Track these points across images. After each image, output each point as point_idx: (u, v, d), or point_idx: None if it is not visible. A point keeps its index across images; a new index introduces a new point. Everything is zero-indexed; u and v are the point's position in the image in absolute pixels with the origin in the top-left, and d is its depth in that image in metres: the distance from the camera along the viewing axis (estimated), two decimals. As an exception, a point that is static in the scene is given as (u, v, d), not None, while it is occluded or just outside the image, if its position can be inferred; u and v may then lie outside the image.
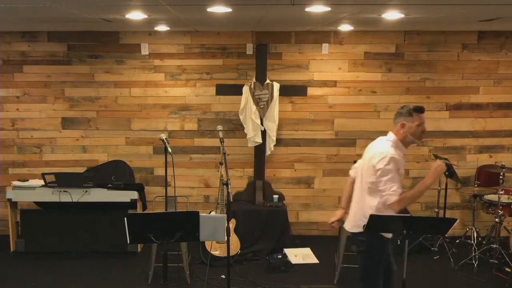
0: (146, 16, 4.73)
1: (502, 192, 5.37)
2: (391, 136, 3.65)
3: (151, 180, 6.55)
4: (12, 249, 6.00)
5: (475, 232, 5.77)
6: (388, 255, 3.80)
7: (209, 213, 5.73)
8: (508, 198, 5.55)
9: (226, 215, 4.00)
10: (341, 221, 3.94)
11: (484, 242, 5.82)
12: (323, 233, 6.66)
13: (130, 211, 5.62)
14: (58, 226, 5.93)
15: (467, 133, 6.54)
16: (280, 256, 5.53)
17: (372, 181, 3.61)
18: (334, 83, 6.47)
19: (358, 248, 3.78)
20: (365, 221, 3.55)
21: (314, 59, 6.43)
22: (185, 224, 3.61)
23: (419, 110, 3.58)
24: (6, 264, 5.69)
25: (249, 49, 6.36)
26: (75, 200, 5.76)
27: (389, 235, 3.73)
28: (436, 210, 6.28)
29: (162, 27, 5.94)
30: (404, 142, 3.61)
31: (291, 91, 6.24)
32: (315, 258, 5.80)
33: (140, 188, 6.02)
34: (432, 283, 5.26)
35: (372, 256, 3.70)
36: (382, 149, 3.59)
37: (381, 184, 3.53)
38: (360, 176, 3.79)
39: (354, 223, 3.76)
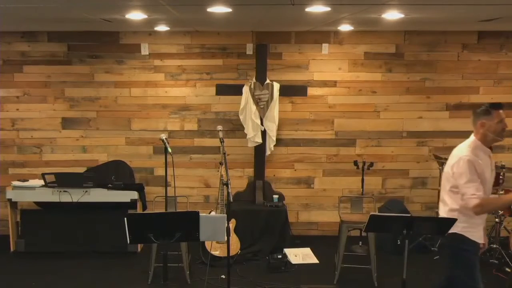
0: (146, 16, 4.73)
1: (502, 192, 5.36)
2: (471, 138, 3.63)
3: (151, 180, 6.55)
4: (12, 249, 6.00)
5: (475, 232, 5.76)
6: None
7: (209, 213, 5.73)
8: (508, 198, 5.54)
9: (226, 215, 4.00)
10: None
11: (484, 242, 5.82)
12: (323, 233, 6.66)
13: (130, 211, 5.61)
14: (58, 226, 5.93)
15: (467, 133, 6.47)
16: (280, 256, 5.53)
17: (451, 185, 3.60)
18: (334, 83, 6.47)
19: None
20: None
21: (314, 59, 6.43)
22: (185, 224, 3.61)
23: (497, 106, 3.54)
24: (6, 264, 5.69)
25: (249, 49, 6.36)
26: (75, 200, 5.76)
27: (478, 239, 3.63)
28: (436, 210, 6.27)
29: (162, 27, 5.94)
30: (485, 141, 3.56)
31: (291, 91, 6.24)
32: (315, 258, 5.81)
33: (140, 188, 6.02)
34: (432, 283, 5.25)
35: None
36: (459, 152, 3.57)
37: (460, 187, 3.51)
38: (443, 181, 3.77)
39: None
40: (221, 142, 4.76)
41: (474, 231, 3.58)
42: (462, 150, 3.55)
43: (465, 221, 3.55)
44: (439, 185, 6.12)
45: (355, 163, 6.29)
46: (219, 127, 5.10)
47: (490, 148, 3.66)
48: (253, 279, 5.24)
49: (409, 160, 6.58)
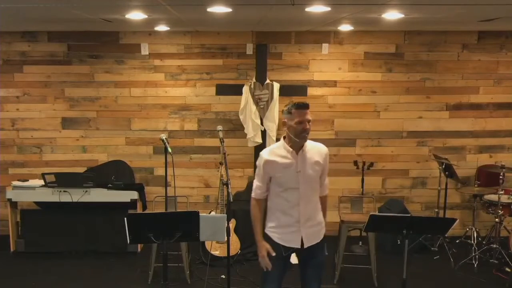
0: (146, 16, 4.73)
1: (502, 192, 5.37)
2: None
3: (151, 180, 6.56)
4: (12, 249, 6.00)
5: (475, 232, 5.77)
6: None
7: (209, 213, 5.73)
8: (508, 198, 5.55)
9: (226, 215, 4.00)
10: None
11: (484, 242, 5.82)
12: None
13: (130, 211, 5.62)
14: (58, 226, 5.92)
15: (467, 133, 6.54)
16: (280, 256, 5.52)
17: None
18: (334, 83, 6.47)
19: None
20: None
21: (314, 59, 6.43)
22: (185, 224, 3.60)
23: (298, 106, 3.29)
24: (6, 264, 5.69)
25: (249, 49, 6.36)
26: (75, 200, 5.76)
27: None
28: (436, 210, 6.28)
29: (162, 27, 5.93)
30: (289, 141, 3.39)
31: (291, 91, 6.23)
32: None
33: (140, 188, 6.02)
34: (432, 283, 5.26)
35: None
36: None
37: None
38: None
39: None
40: (221, 142, 4.75)
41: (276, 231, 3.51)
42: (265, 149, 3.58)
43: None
44: (439, 185, 6.18)
45: (355, 163, 6.29)
46: (219, 127, 5.10)
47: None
48: (253, 279, 5.24)
49: (409, 160, 6.58)
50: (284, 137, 3.44)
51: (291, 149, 3.37)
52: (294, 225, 3.43)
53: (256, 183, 3.50)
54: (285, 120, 3.34)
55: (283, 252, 3.48)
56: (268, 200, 3.52)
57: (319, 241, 3.54)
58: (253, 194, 3.53)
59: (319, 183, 3.51)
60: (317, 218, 3.53)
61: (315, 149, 3.46)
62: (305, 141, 3.36)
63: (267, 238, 3.50)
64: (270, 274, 3.49)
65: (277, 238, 3.48)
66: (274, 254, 3.42)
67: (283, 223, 3.45)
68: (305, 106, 3.29)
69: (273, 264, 3.46)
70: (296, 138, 3.33)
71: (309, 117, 3.30)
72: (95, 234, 5.93)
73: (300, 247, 3.47)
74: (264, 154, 3.43)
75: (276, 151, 3.42)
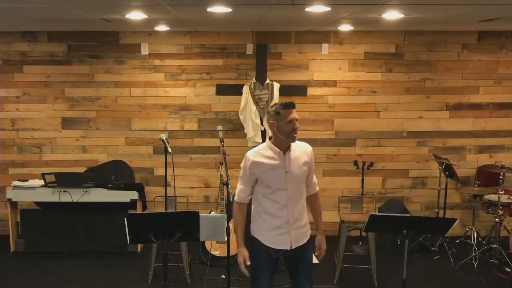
0: (146, 16, 4.73)
1: (502, 192, 5.37)
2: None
3: (151, 180, 6.56)
4: (12, 249, 6.00)
5: (475, 232, 5.77)
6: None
7: (209, 213, 5.73)
8: (508, 198, 5.55)
9: (226, 215, 4.01)
10: None
11: (484, 242, 5.82)
12: (323, 233, 6.64)
13: (130, 211, 5.62)
14: (58, 226, 5.92)
15: (467, 133, 6.54)
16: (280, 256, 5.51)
17: None
18: (334, 83, 6.47)
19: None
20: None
21: (314, 59, 6.43)
22: (185, 224, 3.61)
23: (286, 106, 3.28)
24: (6, 264, 5.69)
25: (249, 49, 6.36)
26: (75, 200, 5.76)
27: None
28: (436, 210, 6.28)
29: (162, 27, 5.94)
30: (277, 142, 3.35)
31: (291, 91, 6.22)
32: (315, 258, 5.79)
33: (140, 188, 6.02)
34: (432, 283, 5.26)
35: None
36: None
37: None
38: None
39: None
40: (221, 142, 4.75)
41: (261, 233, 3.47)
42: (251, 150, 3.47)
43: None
44: (439, 185, 6.18)
45: (355, 163, 6.29)
46: (219, 127, 5.09)
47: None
48: (253, 279, 5.24)
49: (409, 160, 6.58)
50: (270, 138, 3.42)
51: (278, 150, 3.33)
52: (283, 227, 3.39)
53: (240, 186, 3.44)
54: (273, 121, 3.30)
55: (272, 254, 3.45)
56: (254, 203, 3.48)
57: (305, 242, 3.52)
58: (236, 198, 3.48)
59: (305, 184, 3.51)
60: (304, 219, 3.52)
61: (301, 149, 3.44)
62: (294, 141, 3.35)
63: (256, 242, 3.47)
64: (259, 278, 3.48)
65: (266, 241, 3.44)
66: (249, 263, 3.39)
67: (272, 225, 3.40)
68: (292, 106, 3.28)
69: (262, 267, 3.44)
70: (287, 138, 3.30)
71: (297, 116, 3.29)
72: (95, 234, 5.93)
73: (289, 248, 3.44)
74: (250, 155, 3.37)
75: (262, 152, 3.37)
